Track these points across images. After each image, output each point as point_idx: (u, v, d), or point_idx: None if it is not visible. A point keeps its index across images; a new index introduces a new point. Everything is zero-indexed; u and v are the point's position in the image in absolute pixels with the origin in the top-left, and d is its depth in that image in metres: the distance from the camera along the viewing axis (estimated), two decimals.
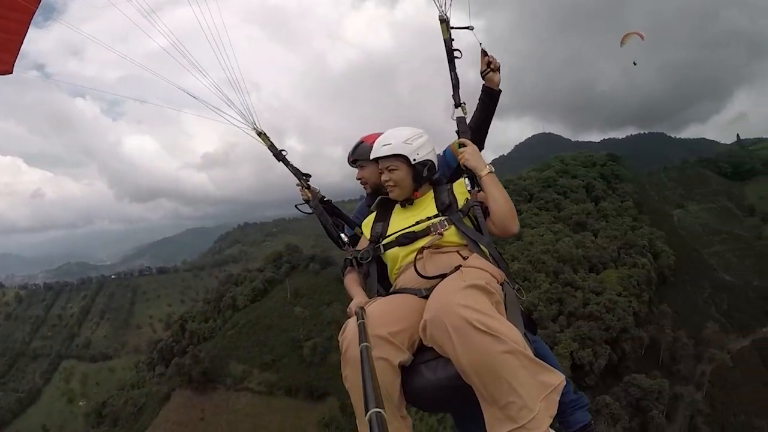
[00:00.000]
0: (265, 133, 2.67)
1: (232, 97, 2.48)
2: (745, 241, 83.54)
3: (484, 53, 2.34)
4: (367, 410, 0.96)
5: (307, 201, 2.70)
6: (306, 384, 59.43)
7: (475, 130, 2.35)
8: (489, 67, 2.34)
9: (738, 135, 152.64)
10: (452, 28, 2.36)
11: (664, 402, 48.82)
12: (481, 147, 2.32)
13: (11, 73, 2.56)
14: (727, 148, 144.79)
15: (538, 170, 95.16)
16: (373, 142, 2.34)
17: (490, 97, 2.39)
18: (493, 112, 2.43)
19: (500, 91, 2.38)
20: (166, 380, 65.15)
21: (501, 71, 2.34)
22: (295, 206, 2.72)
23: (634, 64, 30.05)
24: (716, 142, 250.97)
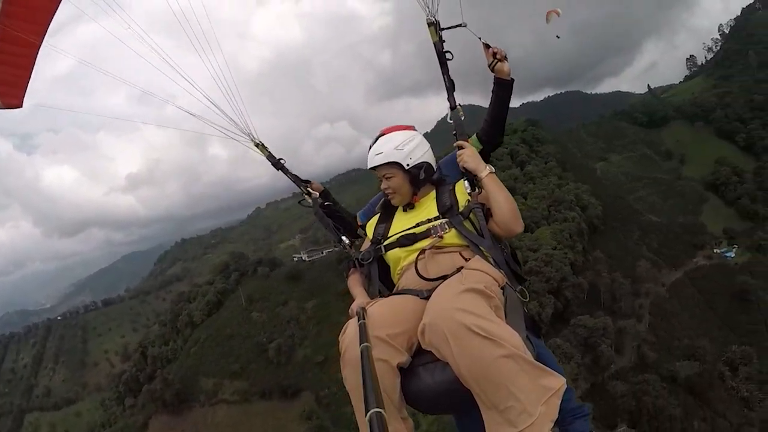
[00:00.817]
0: (263, 144, 3.37)
1: (224, 111, 3.22)
2: (666, 183, 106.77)
3: (487, 46, 2.79)
4: (367, 410, 1.17)
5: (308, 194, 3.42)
6: (278, 385, 72.27)
7: (492, 123, 2.86)
8: (495, 57, 2.76)
9: (649, 85, 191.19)
10: (442, 29, 2.83)
11: (610, 337, 62.68)
12: (500, 139, 2.89)
13: (21, 107, 3.30)
14: (641, 99, 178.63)
15: None
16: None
17: (503, 88, 2.80)
18: (509, 102, 2.87)
19: (513, 80, 2.80)
20: (140, 410, 77.88)
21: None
22: (299, 202, 3.41)
23: (558, 37, 41.90)
24: (631, 93, 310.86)
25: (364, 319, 2.07)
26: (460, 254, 2.46)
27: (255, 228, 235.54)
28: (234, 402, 73.73)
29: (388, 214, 2.89)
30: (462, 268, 2.30)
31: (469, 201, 2.60)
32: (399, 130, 2.77)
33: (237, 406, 72.93)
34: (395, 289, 2.63)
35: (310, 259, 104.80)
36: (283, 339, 78.61)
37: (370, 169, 2.76)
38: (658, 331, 68.57)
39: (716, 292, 76.25)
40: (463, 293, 2.04)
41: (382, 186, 2.77)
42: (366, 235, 2.98)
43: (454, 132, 2.85)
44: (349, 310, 2.45)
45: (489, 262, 2.37)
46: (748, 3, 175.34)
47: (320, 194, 3.35)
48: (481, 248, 2.44)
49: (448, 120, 2.89)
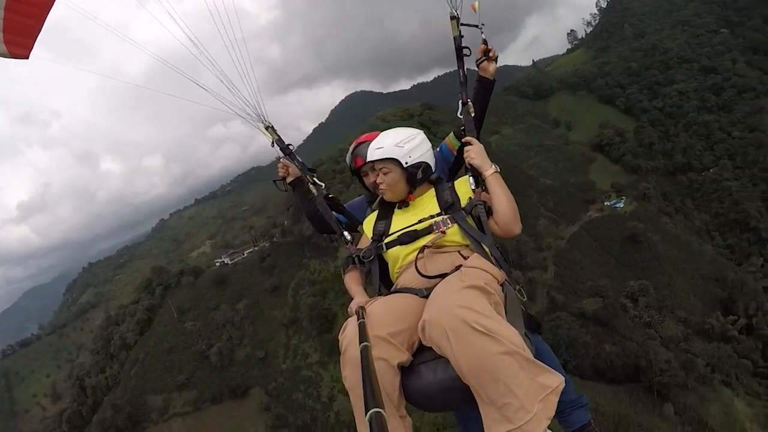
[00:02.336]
0: (273, 127, 3.92)
1: (240, 92, 3.71)
2: (555, 149, 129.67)
3: (485, 43, 3.39)
4: (367, 410, 1.35)
5: (283, 178, 3.99)
6: (226, 387, 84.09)
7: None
8: (486, 55, 3.42)
9: (533, 60, 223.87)
10: (463, 25, 3.39)
11: (523, 289, 79.04)
12: (477, 135, 3.32)
13: (28, 58, 3.67)
14: (526, 73, 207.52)
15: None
16: (371, 141, 3.44)
17: (484, 86, 3.48)
18: (488, 101, 3.55)
19: (494, 80, 3.51)
20: None
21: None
22: (273, 181, 4.03)
23: (482, 25, 56.64)
24: (517, 66, 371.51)
25: (363, 318, 2.39)
26: (459, 253, 2.89)
27: (162, 240, 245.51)
28: (187, 413, 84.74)
29: (386, 211, 3.34)
30: (461, 266, 2.67)
31: (471, 198, 3.06)
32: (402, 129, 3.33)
33: (191, 416, 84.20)
34: (393, 287, 3.07)
35: (233, 261, 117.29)
36: (221, 342, 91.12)
37: (366, 163, 3.39)
38: (563, 277, 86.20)
39: (610, 239, 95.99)
40: (463, 290, 2.38)
41: (377, 180, 3.22)
42: (363, 232, 3.45)
43: (463, 128, 3.40)
44: (348, 309, 2.85)
45: (489, 259, 2.79)
46: None
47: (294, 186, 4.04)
48: (483, 245, 2.88)
49: (458, 115, 3.44)
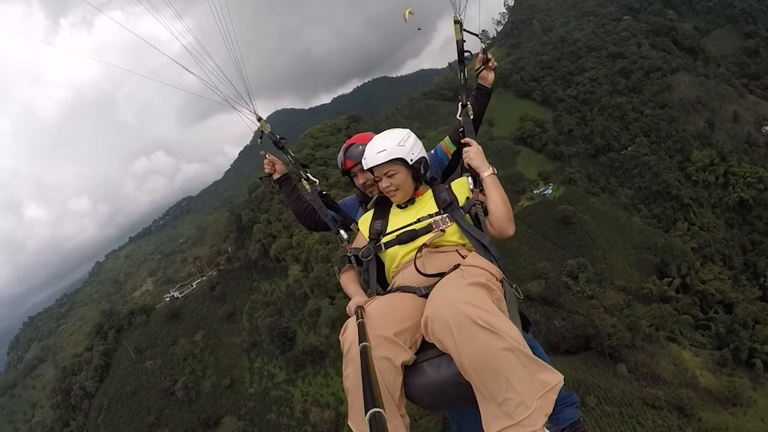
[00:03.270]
0: (262, 119, 4.11)
1: (231, 81, 3.86)
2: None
3: (484, 52, 3.67)
4: (367, 410, 1.40)
5: (269, 174, 4.13)
6: (198, 420, 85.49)
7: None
8: (485, 65, 3.70)
9: (449, 63, 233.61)
10: (464, 30, 3.57)
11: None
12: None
13: None
14: (443, 77, 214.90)
15: (296, 151, 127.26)
16: (363, 142, 3.66)
17: (483, 94, 3.73)
18: (485, 107, 3.80)
19: (492, 88, 3.80)
20: None
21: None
22: (260, 178, 4.24)
23: (419, 29, 59.20)
24: (434, 69, 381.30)
25: (362, 317, 2.47)
26: (458, 252, 3.01)
27: (102, 284, 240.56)
28: None
29: (383, 210, 3.43)
30: (459, 265, 2.78)
31: (468, 198, 3.22)
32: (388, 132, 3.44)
33: None
34: (390, 286, 3.13)
35: (183, 294, 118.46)
36: (185, 376, 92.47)
37: (367, 170, 3.34)
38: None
39: (544, 224, 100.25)
40: (467, 287, 2.47)
41: (383, 185, 3.26)
42: (359, 231, 3.51)
43: (461, 129, 3.65)
44: (347, 309, 2.95)
45: (488, 257, 2.92)
46: None
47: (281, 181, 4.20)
48: (483, 243, 3.00)
49: (458, 117, 3.68)
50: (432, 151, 3.88)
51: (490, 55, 3.70)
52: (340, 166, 4.02)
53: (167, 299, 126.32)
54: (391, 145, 3.21)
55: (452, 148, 3.80)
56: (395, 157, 3.18)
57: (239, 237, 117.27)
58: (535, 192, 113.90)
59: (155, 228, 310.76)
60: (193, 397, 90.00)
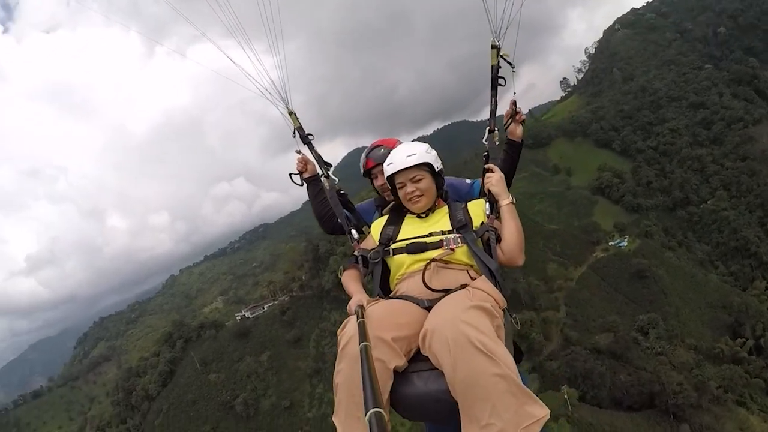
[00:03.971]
0: (295, 114, 4.14)
1: (269, 73, 3.91)
2: (558, 195, 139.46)
3: (514, 104, 3.65)
4: (367, 410, 1.44)
5: (301, 172, 4.22)
6: None
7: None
8: (513, 118, 3.66)
9: (530, 110, 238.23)
10: (501, 55, 3.62)
11: (538, 329, 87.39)
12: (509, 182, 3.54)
13: None
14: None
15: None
16: (387, 146, 3.91)
17: (513, 149, 3.72)
18: (517, 161, 3.78)
19: (522, 142, 3.76)
20: None
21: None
22: (289, 175, 4.23)
23: (513, 71, 68.00)
24: None
25: (362, 317, 2.54)
26: (467, 273, 3.07)
27: (173, 296, 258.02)
28: None
29: (397, 218, 3.53)
30: (466, 285, 2.87)
31: (483, 223, 3.26)
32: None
33: None
34: (393, 293, 3.23)
35: (254, 315, 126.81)
36: (246, 393, 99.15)
37: (394, 173, 3.38)
38: (575, 316, 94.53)
39: (617, 276, 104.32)
40: (470, 308, 2.54)
41: (408, 189, 3.34)
42: (369, 234, 3.63)
43: (485, 153, 3.65)
44: (347, 307, 3.04)
45: (494, 284, 2.94)
46: (609, 25, 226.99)
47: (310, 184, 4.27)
48: (491, 269, 3.02)
49: (484, 141, 3.66)
50: (469, 181, 4.09)
51: (519, 107, 3.72)
52: (361, 166, 4.28)
53: (238, 318, 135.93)
54: (421, 150, 3.36)
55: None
56: (425, 161, 3.33)
57: (314, 266, 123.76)
58: (610, 244, 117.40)
59: (230, 250, 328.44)
60: (252, 413, 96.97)
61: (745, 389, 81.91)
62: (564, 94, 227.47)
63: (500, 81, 3.65)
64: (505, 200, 3.28)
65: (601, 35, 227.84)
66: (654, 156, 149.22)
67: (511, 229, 3.20)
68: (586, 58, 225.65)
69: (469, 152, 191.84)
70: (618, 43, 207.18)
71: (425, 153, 3.36)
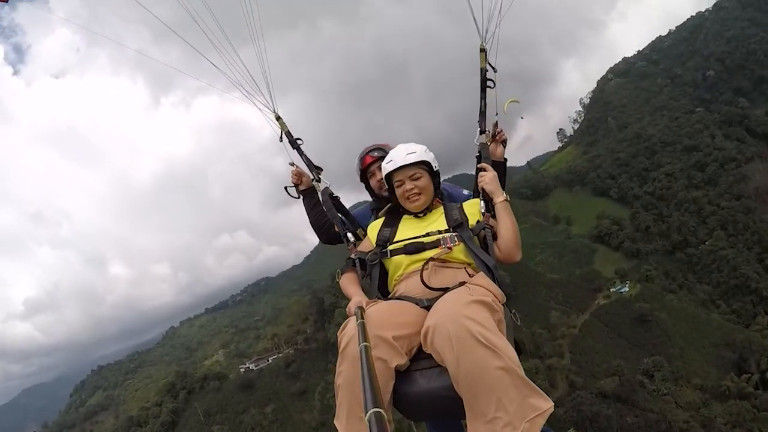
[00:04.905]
0: (281, 119, 4.28)
1: (253, 77, 4.07)
2: (558, 244, 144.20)
3: (495, 125, 3.87)
4: (367, 410, 1.43)
5: (296, 185, 4.33)
6: None
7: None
8: (493, 138, 3.86)
9: (528, 161, 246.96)
10: (489, 64, 3.83)
11: (543, 376, 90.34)
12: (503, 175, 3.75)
13: (6, 1, 4.01)
14: (522, 175, 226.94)
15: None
16: (386, 146, 4.09)
17: (495, 167, 3.73)
18: (503, 178, 3.80)
19: (505, 160, 3.98)
20: None
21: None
22: (285, 188, 4.31)
23: (522, 118, 73.45)
24: (512, 167, 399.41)
25: (362, 318, 2.52)
26: (465, 270, 3.13)
27: (174, 348, 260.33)
28: None
29: (393, 219, 3.59)
30: (464, 282, 2.89)
31: (479, 221, 3.34)
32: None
33: None
34: (392, 294, 3.26)
35: (258, 367, 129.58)
36: None
37: (392, 171, 3.47)
38: (580, 362, 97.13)
39: (620, 322, 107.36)
40: (471, 303, 2.57)
41: (407, 187, 3.41)
42: (366, 236, 3.70)
43: (478, 154, 3.80)
44: (347, 309, 3.06)
45: (492, 280, 3.00)
46: (602, 75, 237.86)
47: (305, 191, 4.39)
48: (488, 265, 3.10)
49: (475, 142, 3.84)
50: (467, 192, 4.12)
51: (500, 128, 3.87)
52: (357, 165, 4.37)
53: (242, 370, 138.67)
54: (420, 149, 3.45)
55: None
56: (423, 159, 3.42)
57: (319, 319, 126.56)
58: (611, 290, 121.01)
59: (232, 303, 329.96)
60: None
61: (753, 423, 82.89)
62: (561, 145, 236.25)
63: (489, 83, 3.85)
64: (500, 197, 3.39)
65: (595, 85, 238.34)
66: (651, 201, 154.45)
67: (506, 225, 3.29)
68: (581, 108, 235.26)
69: None
70: (611, 92, 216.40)
71: (425, 152, 3.47)
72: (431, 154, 3.50)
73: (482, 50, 3.84)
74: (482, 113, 3.86)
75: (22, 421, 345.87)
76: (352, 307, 2.99)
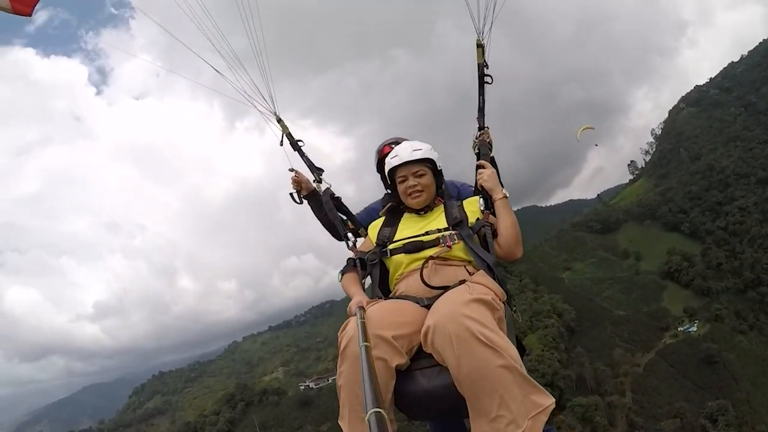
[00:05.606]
0: (282, 120, 4.34)
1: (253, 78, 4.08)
2: (626, 280, 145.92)
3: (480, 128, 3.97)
4: (367, 410, 1.43)
5: (298, 191, 4.39)
6: None
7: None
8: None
9: (599, 195, 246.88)
10: (485, 61, 3.87)
11: (602, 413, 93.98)
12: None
13: (30, 15, 3.95)
14: (592, 208, 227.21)
15: None
16: (404, 140, 4.01)
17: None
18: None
19: (495, 158, 3.90)
20: None
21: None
22: (289, 194, 4.38)
23: (596, 145, 65.16)
24: (582, 199, 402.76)
25: (363, 318, 2.57)
26: (465, 268, 3.16)
27: (234, 361, 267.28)
28: None
29: (393, 219, 3.64)
30: (465, 281, 2.92)
31: (479, 219, 3.37)
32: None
33: None
34: (392, 294, 3.32)
35: (318, 386, 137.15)
36: None
37: (397, 166, 3.50)
38: (641, 402, 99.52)
39: (686, 362, 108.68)
40: (471, 302, 2.60)
41: (410, 183, 3.45)
42: (367, 236, 3.73)
43: (477, 151, 3.83)
44: (348, 309, 3.07)
45: (492, 278, 2.99)
46: (674, 104, 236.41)
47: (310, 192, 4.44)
48: (488, 263, 3.10)
49: (474, 139, 3.89)
50: (471, 187, 4.11)
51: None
52: (376, 156, 4.37)
53: (302, 387, 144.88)
54: (426, 147, 3.49)
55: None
56: (428, 157, 3.46)
57: None
58: (679, 329, 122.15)
59: (295, 323, 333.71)
60: None
61: None
62: (632, 177, 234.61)
63: (487, 79, 3.91)
64: (499, 195, 3.42)
65: (667, 115, 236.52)
66: (723, 237, 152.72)
67: (506, 222, 3.31)
68: (652, 139, 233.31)
69: (538, 237, 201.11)
70: (684, 122, 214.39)
71: (430, 150, 3.50)
72: (436, 153, 3.55)
73: (479, 45, 3.93)
74: (481, 110, 3.97)
75: (78, 416, 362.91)
76: (352, 306, 3.03)
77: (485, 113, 3.99)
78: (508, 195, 3.44)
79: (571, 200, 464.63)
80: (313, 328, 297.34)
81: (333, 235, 4.32)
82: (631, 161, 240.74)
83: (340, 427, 2.68)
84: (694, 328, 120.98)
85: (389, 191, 3.96)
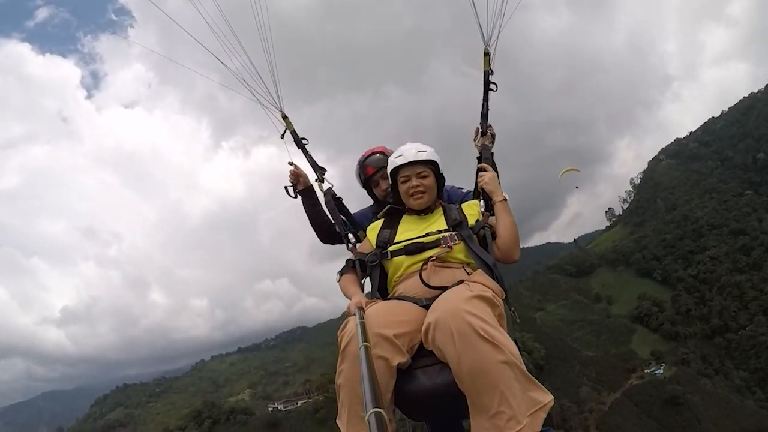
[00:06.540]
0: (287, 117, 4.37)
1: (257, 79, 4.17)
2: (597, 322, 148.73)
3: (477, 132, 4.02)
4: (367, 410, 1.43)
5: (294, 184, 4.42)
6: None
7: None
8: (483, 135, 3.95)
9: (575, 239, 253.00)
10: (491, 70, 3.94)
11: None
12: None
13: None
14: (568, 252, 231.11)
15: None
16: (383, 152, 4.26)
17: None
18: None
19: (493, 155, 3.95)
20: None
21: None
22: (284, 187, 4.40)
23: (576, 187, 69.46)
24: (559, 243, 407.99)
25: (362, 318, 2.57)
26: (465, 270, 3.18)
27: (201, 380, 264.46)
28: None
29: (393, 220, 3.67)
30: (463, 281, 2.94)
31: (478, 221, 3.45)
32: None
33: None
34: (391, 295, 3.32)
35: (287, 408, 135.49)
36: None
37: (401, 165, 3.54)
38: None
39: (651, 403, 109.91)
40: (471, 299, 2.62)
41: (412, 184, 3.49)
42: (366, 237, 3.76)
43: (478, 155, 3.89)
44: (347, 309, 3.07)
45: (492, 277, 3.03)
46: (654, 155, 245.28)
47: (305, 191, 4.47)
48: (487, 263, 3.14)
49: (476, 144, 3.95)
50: (465, 190, 4.26)
51: (492, 130, 3.96)
52: (359, 176, 4.44)
53: (270, 409, 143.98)
54: (430, 150, 3.55)
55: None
56: (432, 158, 3.52)
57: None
58: (646, 371, 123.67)
59: (265, 346, 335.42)
60: None
61: None
62: (609, 224, 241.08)
63: (492, 86, 3.96)
64: (499, 197, 3.49)
65: (647, 165, 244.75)
66: (694, 284, 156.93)
67: (505, 224, 3.38)
68: (631, 188, 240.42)
69: (514, 277, 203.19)
70: (662, 173, 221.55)
71: (434, 153, 3.56)
72: (438, 156, 3.59)
73: (486, 54, 3.98)
74: (484, 115, 3.99)
75: (35, 422, 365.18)
76: (352, 306, 2.99)
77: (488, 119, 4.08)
78: (507, 198, 3.54)
79: (548, 243, 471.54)
80: (283, 352, 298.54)
81: (319, 235, 4.45)
82: (609, 208, 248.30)
83: (338, 426, 2.71)
84: (661, 371, 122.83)
85: (377, 201, 4.39)
